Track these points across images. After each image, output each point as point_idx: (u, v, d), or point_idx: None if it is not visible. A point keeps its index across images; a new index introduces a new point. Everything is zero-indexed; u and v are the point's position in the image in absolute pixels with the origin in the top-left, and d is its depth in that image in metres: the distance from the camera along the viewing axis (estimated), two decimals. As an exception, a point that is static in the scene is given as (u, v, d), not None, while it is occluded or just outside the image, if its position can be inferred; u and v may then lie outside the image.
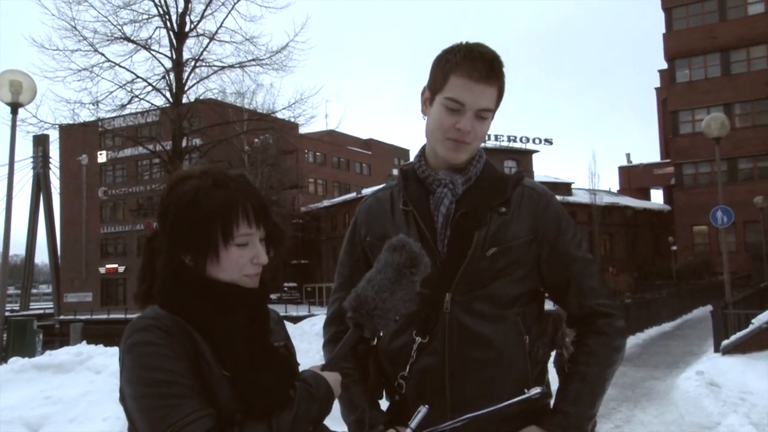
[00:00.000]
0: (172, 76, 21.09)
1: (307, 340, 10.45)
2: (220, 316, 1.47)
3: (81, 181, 57.66)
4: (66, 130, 23.49)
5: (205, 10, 21.11)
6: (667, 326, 21.70)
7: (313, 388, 1.50)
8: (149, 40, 20.90)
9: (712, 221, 17.51)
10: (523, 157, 53.06)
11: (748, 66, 41.46)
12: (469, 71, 1.84)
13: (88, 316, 48.80)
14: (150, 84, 21.06)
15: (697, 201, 40.14)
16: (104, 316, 50.18)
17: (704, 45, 41.90)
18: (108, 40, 20.29)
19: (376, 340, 1.95)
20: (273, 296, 44.42)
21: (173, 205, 1.50)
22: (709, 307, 15.78)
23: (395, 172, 2.35)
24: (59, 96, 20.20)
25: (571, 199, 46.64)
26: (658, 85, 61.61)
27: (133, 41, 20.63)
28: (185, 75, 21.30)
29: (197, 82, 21.78)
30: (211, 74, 21.88)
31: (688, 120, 42.79)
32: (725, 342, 12.98)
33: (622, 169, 62.65)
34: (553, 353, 1.99)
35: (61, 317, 52.70)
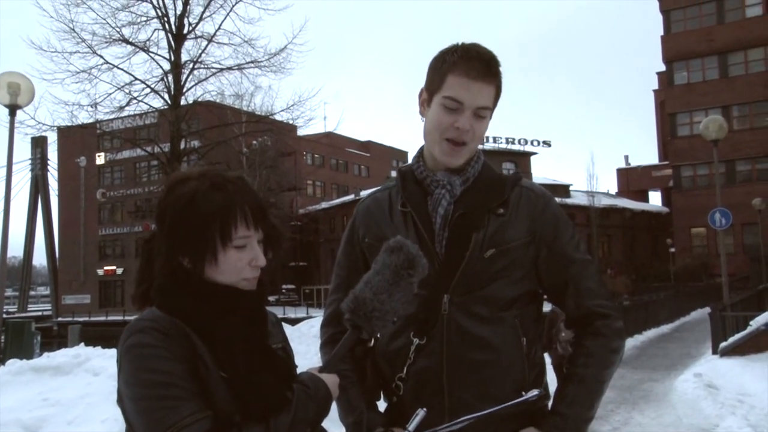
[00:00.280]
0: (170, 78, 21.07)
1: (306, 342, 10.45)
2: (218, 318, 1.47)
3: (79, 183, 57.61)
4: (64, 132, 23.44)
5: (203, 12, 21.11)
6: (665, 328, 21.73)
7: (311, 389, 1.50)
8: (148, 42, 20.87)
9: (711, 223, 17.52)
10: (522, 159, 53.08)
11: (745, 68, 41.48)
12: (466, 70, 1.84)
13: (86, 318, 48.73)
14: (148, 86, 21.03)
15: (695, 203, 40.16)
16: (102, 318, 50.15)
17: (702, 47, 41.93)
18: (106, 42, 20.26)
19: (373, 341, 1.95)
20: (271, 298, 44.44)
21: (171, 207, 1.50)
22: (707, 309, 15.80)
23: (394, 173, 2.34)
24: (57, 98, 20.16)
25: (569, 201, 46.64)
26: (656, 87, 61.66)
27: (131, 43, 20.60)
28: (184, 77, 21.27)
29: (196, 84, 21.76)
30: (210, 76, 21.86)
31: (686, 122, 42.81)
32: (723, 344, 13.00)
33: (620, 171, 62.68)
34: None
35: (59, 319, 52.65)
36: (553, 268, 1.92)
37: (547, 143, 54.76)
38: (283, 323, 1.80)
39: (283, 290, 51.80)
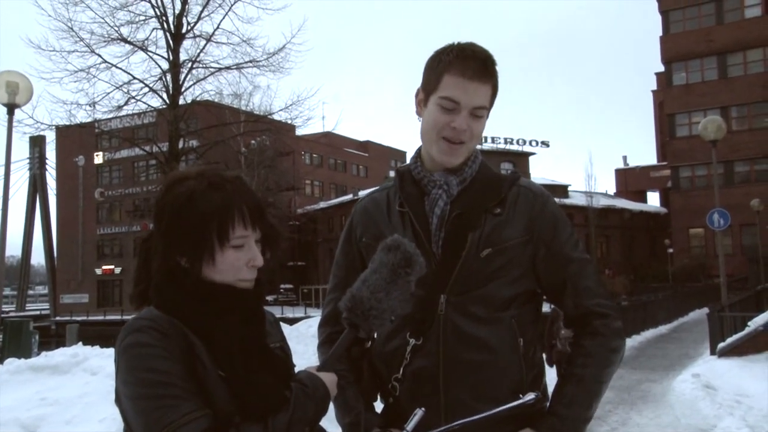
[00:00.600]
0: (168, 77, 21.07)
1: (304, 342, 10.44)
2: (216, 317, 1.46)
3: (77, 183, 57.59)
4: (62, 132, 23.42)
5: (202, 11, 21.12)
6: (663, 329, 21.73)
7: (309, 388, 1.50)
8: (146, 42, 20.88)
9: (709, 224, 17.54)
10: (520, 159, 53.07)
11: (744, 69, 41.50)
12: (462, 70, 1.84)
13: (85, 318, 48.72)
14: (147, 85, 21.03)
15: (693, 204, 40.17)
16: (100, 318, 50.12)
17: (701, 48, 41.95)
18: (105, 42, 20.27)
19: (370, 342, 1.94)
20: (269, 298, 44.40)
21: (169, 206, 1.50)
22: (705, 310, 15.82)
23: (392, 173, 2.33)
24: (56, 97, 20.26)
25: (567, 201, 46.67)
26: (654, 87, 61.67)
27: (129, 42, 20.60)
28: (182, 76, 21.28)
29: (194, 84, 21.78)
30: (208, 76, 21.89)
31: (685, 123, 42.83)
32: (721, 344, 13.00)
33: (618, 172, 62.70)
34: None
35: (58, 318, 52.65)
36: (552, 267, 1.91)
37: (545, 143, 54.79)
38: (281, 323, 1.80)
39: (281, 290, 51.80)
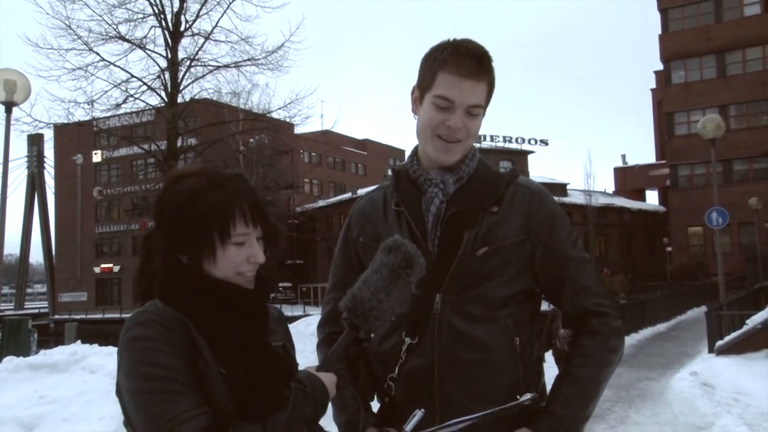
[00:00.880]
0: (167, 75, 21.07)
1: (302, 341, 10.43)
2: (219, 314, 1.47)
3: (76, 181, 57.54)
4: (61, 130, 23.44)
5: (200, 9, 21.13)
6: (661, 327, 21.74)
7: (309, 388, 1.50)
8: (144, 40, 20.89)
9: (707, 222, 17.56)
10: (519, 157, 53.10)
11: (743, 67, 41.52)
12: (457, 68, 1.82)
13: (83, 316, 48.68)
14: (145, 83, 21.05)
15: (692, 202, 40.20)
16: (99, 316, 50.09)
17: (700, 46, 41.94)
18: (103, 39, 20.28)
19: (367, 341, 1.94)
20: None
21: (169, 204, 1.50)
22: (703, 308, 15.81)
23: (390, 172, 2.32)
24: (54, 95, 20.33)
25: (566, 200, 46.67)
26: (653, 86, 61.66)
27: (128, 40, 20.61)
28: (180, 74, 21.30)
29: (192, 82, 21.80)
30: (207, 74, 21.91)
31: (684, 121, 42.85)
32: (719, 343, 13.00)
33: (617, 171, 62.72)
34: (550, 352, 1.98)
35: (56, 317, 52.54)
36: (549, 266, 1.89)
37: (544, 142, 54.85)
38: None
39: (280, 288, 51.78)
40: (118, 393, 1.45)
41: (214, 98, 23.95)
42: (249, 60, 21.48)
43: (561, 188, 51.15)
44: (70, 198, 58.98)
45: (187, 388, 1.37)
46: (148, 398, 1.36)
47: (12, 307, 54.79)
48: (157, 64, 21.17)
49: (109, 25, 20.19)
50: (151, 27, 20.96)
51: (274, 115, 24.00)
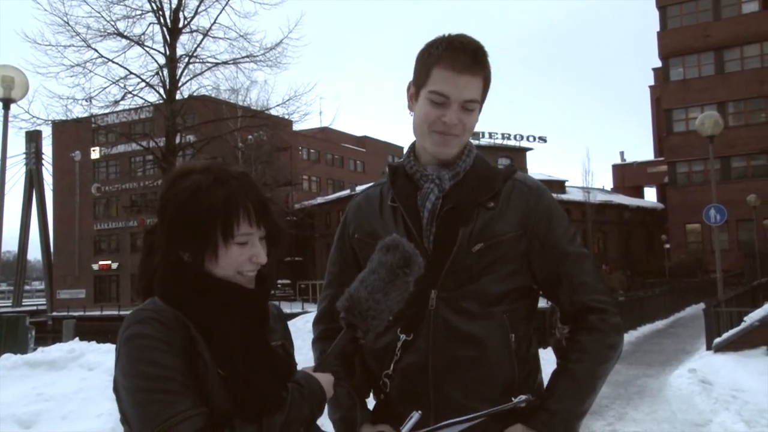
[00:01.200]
0: (165, 72, 21.03)
1: (301, 338, 10.38)
2: (218, 313, 1.45)
3: (74, 178, 57.42)
4: (59, 126, 23.39)
5: (198, 6, 21.08)
6: (660, 324, 21.78)
7: (306, 389, 1.49)
8: (143, 36, 20.84)
9: (706, 219, 17.56)
10: (517, 154, 53.12)
11: (741, 65, 41.53)
12: (451, 63, 1.81)
13: (81, 313, 48.54)
14: (143, 80, 21.01)
15: (690, 199, 40.22)
16: (97, 313, 50.05)
17: (698, 43, 41.95)
18: (101, 36, 20.23)
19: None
20: (267, 293, 44.23)
21: (173, 200, 1.48)
22: (701, 305, 15.82)
23: (387, 168, 2.31)
24: (52, 92, 20.15)
25: (564, 197, 46.70)
26: (652, 83, 61.62)
27: (126, 37, 20.55)
28: (179, 71, 21.25)
29: (191, 79, 21.75)
30: (205, 71, 21.86)
31: (682, 118, 42.86)
32: (717, 340, 13.02)
33: (615, 167, 62.72)
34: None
35: (54, 314, 52.47)
36: (546, 262, 1.87)
37: (542, 139, 54.89)
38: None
39: (279, 285, 51.76)
40: (115, 390, 1.44)
41: (213, 95, 23.96)
42: (247, 57, 21.45)
43: (559, 185, 51.17)
44: (68, 195, 58.89)
45: (184, 388, 1.36)
46: (145, 397, 1.35)
47: (10, 304, 54.75)
48: (156, 61, 21.15)
49: (108, 21, 20.17)
50: (150, 24, 20.93)
51: (273, 112, 23.99)
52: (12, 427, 6.53)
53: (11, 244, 60.48)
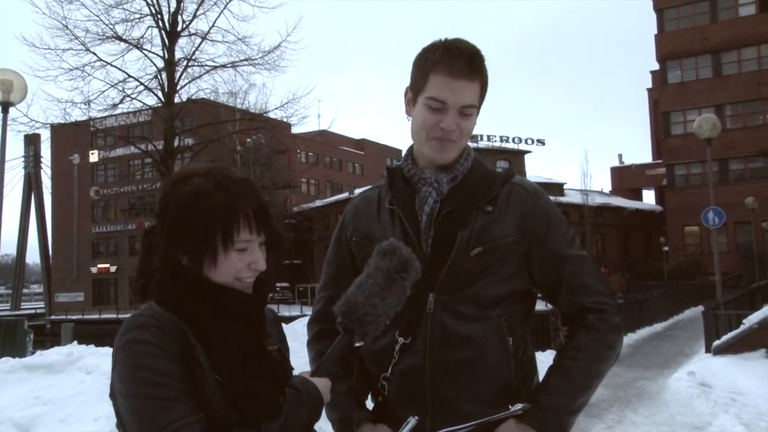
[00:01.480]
0: (164, 75, 21.06)
1: (299, 341, 10.35)
2: (216, 319, 1.45)
3: (72, 181, 57.38)
4: (57, 130, 23.44)
5: (197, 9, 21.11)
6: (658, 326, 21.77)
7: (303, 394, 1.48)
8: (141, 40, 20.86)
9: (704, 222, 17.56)
10: (516, 157, 53.14)
11: (739, 67, 41.63)
12: (448, 68, 1.80)
13: (80, 316, 48.43)
14: (142, 83, 21.03)
15: (688, 202, 40.27)
16: (95, 316, 49.81)
17: (696, 46, 42.06)
18: (100, 39, 20.25)
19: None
20: (265, 296, 44.20)
21: (173, 203, 1.47)
22: (700, 308, 15.82)
23: (386, 171, 2.30)
24: (51, 95, 20.34)
25: (563, 199, 46.72)
26: (649, 86, 61.76)
27: (125, 40, 20.58)
28: (177, 74, 21.27)
29: (189, 82, 21.77)
30: (204, 74, 21.89)
31: (680, 121, 42.93)
32: (716, 342, 13.01)
33: (614, 170, 62.81)
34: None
35: (52, 317, 52.38)
36: (545, 265, 1.87)
37: (541, 142, 54.89)
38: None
39: (277, 288, 51.67)
40: (112, 396, 1.43)
41: (211, 98, 23.93)
42: (246, 60, 21.48)
43: (558, 188, 51.21)
44: (66, 198, 58.84)
45: (182, 394, 1.35)
46: (141, 403, 1.34)
47: (8, 308, 54.65)
48: (154, 64, 21.18)
49: (106, 25, 20.19)
50: (148, 27, 20.96)
51: (271, 115, 23.99)
52: (10, 431, 6.52)
53: (10, 248, 60.45)
